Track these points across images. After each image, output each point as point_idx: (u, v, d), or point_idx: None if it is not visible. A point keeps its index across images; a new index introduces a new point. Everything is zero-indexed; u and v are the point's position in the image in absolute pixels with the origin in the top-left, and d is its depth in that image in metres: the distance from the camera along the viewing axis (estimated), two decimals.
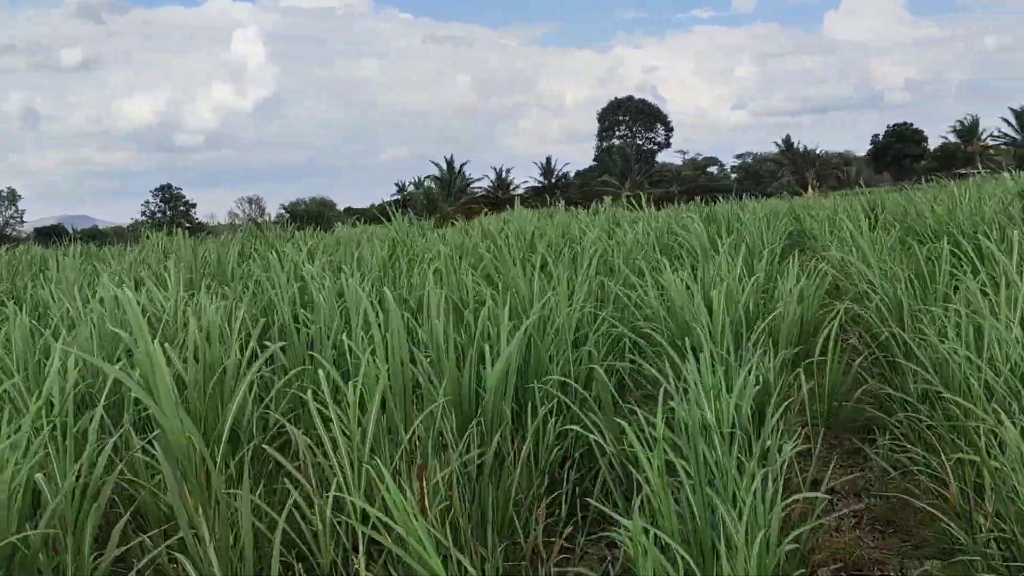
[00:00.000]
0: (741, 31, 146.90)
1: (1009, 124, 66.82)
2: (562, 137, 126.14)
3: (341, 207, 70.79)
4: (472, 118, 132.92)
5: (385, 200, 74.25)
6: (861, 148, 79.00)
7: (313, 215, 60.71)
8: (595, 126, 77.16)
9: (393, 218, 11.01)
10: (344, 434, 2.96)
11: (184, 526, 2.77)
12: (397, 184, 75.94)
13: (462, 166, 69.91)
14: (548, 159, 74.55)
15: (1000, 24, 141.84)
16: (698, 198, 17.65)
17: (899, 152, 70.80)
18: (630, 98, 77.63)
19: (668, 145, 77.20)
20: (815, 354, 4.72)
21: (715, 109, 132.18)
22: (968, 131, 69.04)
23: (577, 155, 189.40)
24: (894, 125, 73.22)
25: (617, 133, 76.86)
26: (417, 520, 2.61)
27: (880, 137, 74.20)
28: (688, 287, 4.80)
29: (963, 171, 50.89)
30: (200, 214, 68.37)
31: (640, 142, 75.72)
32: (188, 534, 2.77)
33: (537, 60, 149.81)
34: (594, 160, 76.92)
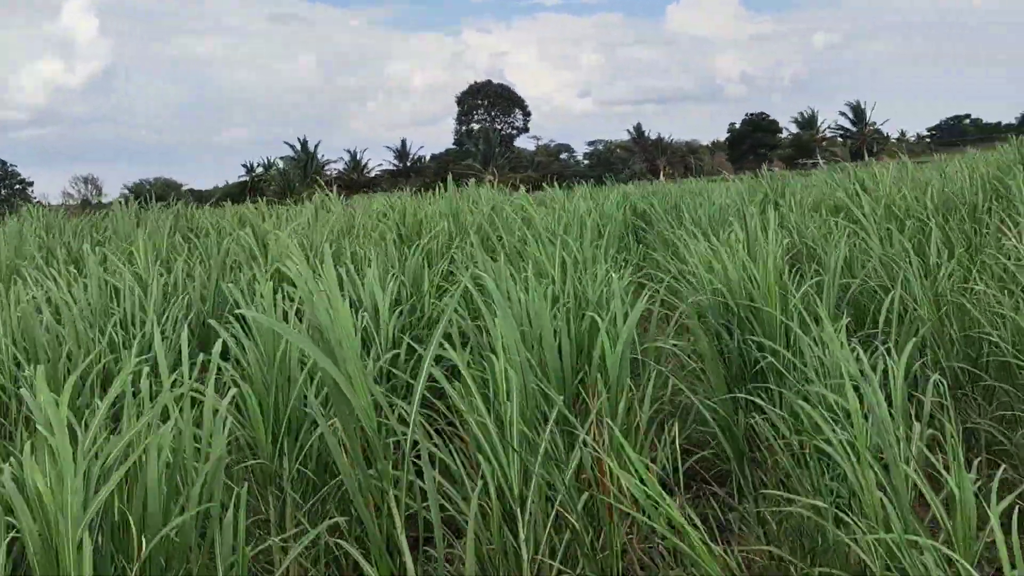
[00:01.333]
0: (586, 19, 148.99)
1: (845, 116, 70.66)
2: (412, 120, 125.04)
3: (184, 188, 68.20)
4: (318, 99, 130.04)
5: (231, 182, 72.05)
6: (705, 138, 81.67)
7: (158, 196, 58.18)
8: (446, 110, 77.12)
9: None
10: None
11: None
12: (245, 165, 73.81)
13: (316, 147, 68.34)
14: (403, 142, 73.93)
15: (829, 23, 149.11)
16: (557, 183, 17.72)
17: (756, 141, 73.51)
18: (489, 82, 77.67)
19: (527, 130, 77.62)
20: None
21: (561, 96, 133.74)
22: (808, 123, 72.47)
23: (429, 138, 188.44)
24: (751, 115, 76.11)
25: (476, 117, 76.74)
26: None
27: (737, 126, 76.91)
28: None
29: (806, 161, 53.33)
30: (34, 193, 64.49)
31: (499, 126, 75.81)
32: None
33: (384, 42, 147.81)
34: (454, 144, 76.71)
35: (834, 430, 2.72)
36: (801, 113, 73.16)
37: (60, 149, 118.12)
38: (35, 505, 2.20)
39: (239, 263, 6.89)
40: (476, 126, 75.79)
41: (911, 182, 9.65)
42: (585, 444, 3.05)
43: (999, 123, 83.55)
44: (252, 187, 66.56)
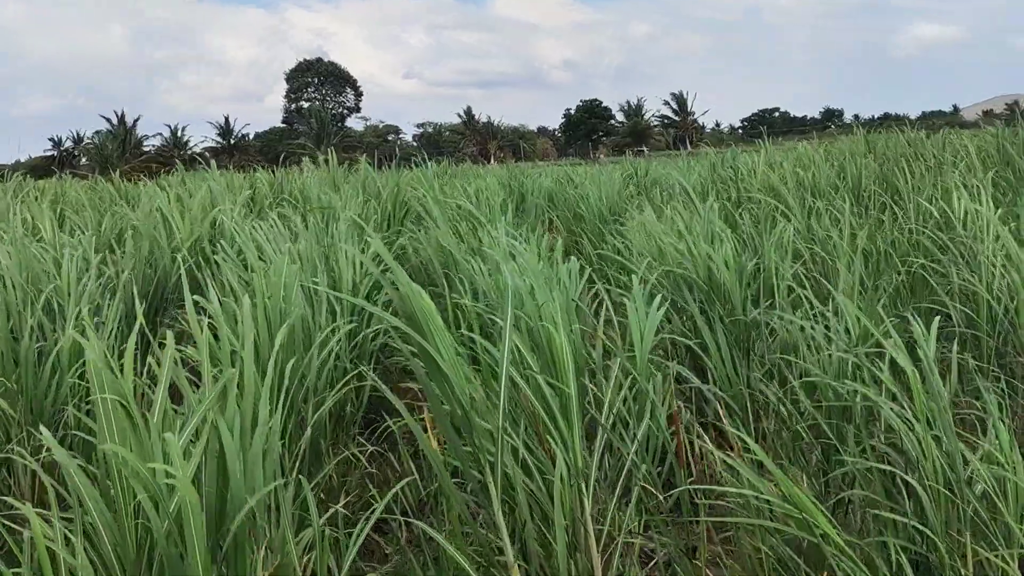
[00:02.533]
0: (412, 1, 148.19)
1: (669, 106, 73.39)
2: (233, 96, 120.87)
3: None
4: (129, 72, 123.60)
5: (34, 156, 67.56)
6: (532, 123, 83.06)
7: None
8: (268, 87, 75.02)
9: None
10: None
11: None
12: (53, 139, 69.56)
13: (135, 122, 64.88)
14: (226, 119, 71.36)
15: (646, 14, 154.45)
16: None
17: (591, 127, 75.19)
18: (319, 60, 75.91)
19: (358, 110, 76.46)
20: None
21: (386, 76, 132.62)
22: (635, 112, 74.78)
23: (252, 116, 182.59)
24: (585, 101, 77.81)
25: (306, 95, 74.91)
26: None
27: (572, 111, 78.44)
28: None
29: (639, 148, 55.08)
30: None
31: (330, 105, 74.28)
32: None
33: (200, 14, 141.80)
34: (283, 122, 74.66)
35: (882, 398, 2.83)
36: (628, 102, 75.52)
37: None
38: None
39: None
40: (306, 104, 74.02)
41: (786, 168, 10.14)
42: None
43: (805, 116, 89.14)
44: (62, 161, 62.74)
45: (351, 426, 4.38)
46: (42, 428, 2.28)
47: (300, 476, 2.89)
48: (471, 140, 72.45)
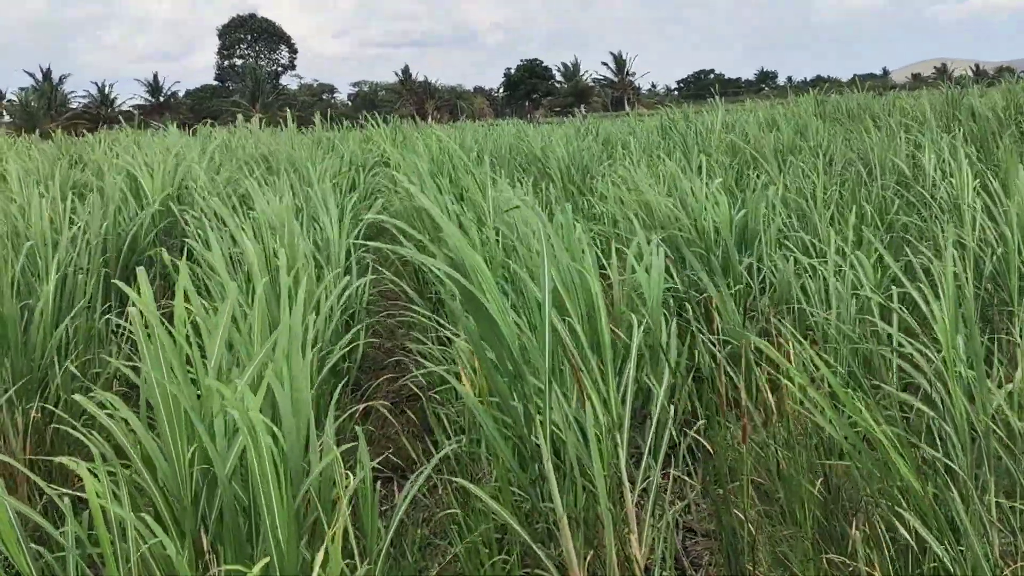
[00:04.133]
0: None
1: (607, 67, 73.48)
2: (153, 54, 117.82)
3: None
4: (46, 31, 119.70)
5: None
6: (467, 83, 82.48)
7: None
8: (194, 44, 73.27)
9: None
10: None
11: None
12: None
13: (62, 79, 62.78)
14: (155, 76, 69.54)
15: None
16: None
17: (531, 87, 74.82)
18: (253, 16, 74.04)
19: (293, 67, 74.95)
20: None
21: (315, 36, 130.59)
22: (572, 72, 74.69)
23: (176, 73, 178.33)
24: (525, 61, 77.34)
25: (239, 52, 73.16)
26: None
27: (513, 71, 77.88)
28: None
29: (574, 109, 55.01)
30: None
31: (264, 63, 72.70)
32: None
33: None
34: (215, 79, 72.91)
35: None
36: (565, 63, 75.42)
37: None
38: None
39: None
40: (239, 61, 72.37)
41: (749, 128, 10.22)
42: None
43: (740, 78, 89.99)
44: None
45: (347, 385, 4.31)
46: (95, 396, 2.18)
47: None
48: (408, 100, 71.66)
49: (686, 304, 4.19)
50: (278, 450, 1.89)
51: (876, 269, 3.82)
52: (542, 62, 77.55)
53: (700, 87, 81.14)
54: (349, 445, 2.52)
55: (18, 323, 3.93)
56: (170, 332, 2.13)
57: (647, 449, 2.85)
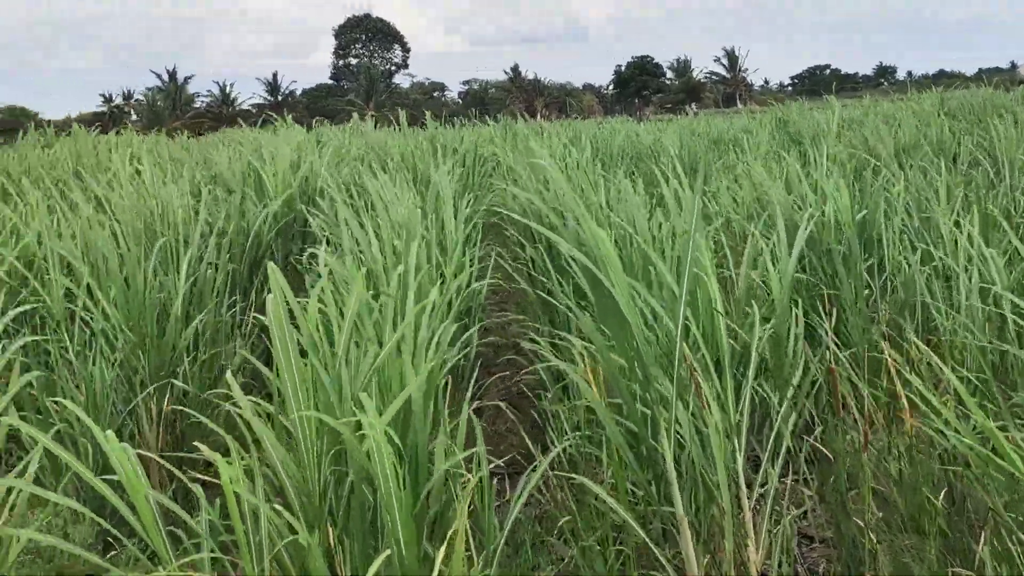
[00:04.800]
0: None
1: (720, 63, 72.37)
2: (274, 52, 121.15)
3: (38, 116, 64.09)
4: (173, 29, 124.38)
5: (84, 112, 68.30)
6: (577, 80, 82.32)
7: (9, 124, 54.21)
8: (313, 43, 75.06)
9: None
10: None
11: None
12: (104, 95, 69.96)
13: (186, 79, 65.26)
14: (274, 75, 71.48)
15: None
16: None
17: (641, 84, 74.37)
18: (368, 16, 75.54)
19: (406, 66, 76.13)
20: None
21: (430, 34, 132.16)
22: (683, 68, 73.84)
23: (296, 72, 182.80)
24: (636, 58, 76.87)
25: (354, 51, 74.74)
26: None
27: (623, 68, 77.50)
28: None
29: (686, 106, 54.43)
30: None
31: (377, 62, 74.10)
32: None
33: None
34: (331, 78, 74.66)
35: None
36: (677, 59, 74.64)
37: None
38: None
39: None
40: (354, 60, 73.94)
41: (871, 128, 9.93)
42: None
43: (857, 73, 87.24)
44: (111, 117, 63.28)
45: (461, 382, 4.37)
46: (228, 376, 2.28)
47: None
48: (517, 97, 71.97)
49: (798, 303, 4.11)
50: (401, 450, 1.94)
51: (1008, 270, 3.68)
52: (653, 59, 76.85)
53: (815, 83, 79.04)
54: (468, 452, 2.56)
55: (154, 317, 4.12)
56: (300, 327, 2.21)
57: (766, 454, 2.82)
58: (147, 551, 3.34)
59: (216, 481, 2.11)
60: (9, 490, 2.59)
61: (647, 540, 2.37)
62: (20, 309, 3.52)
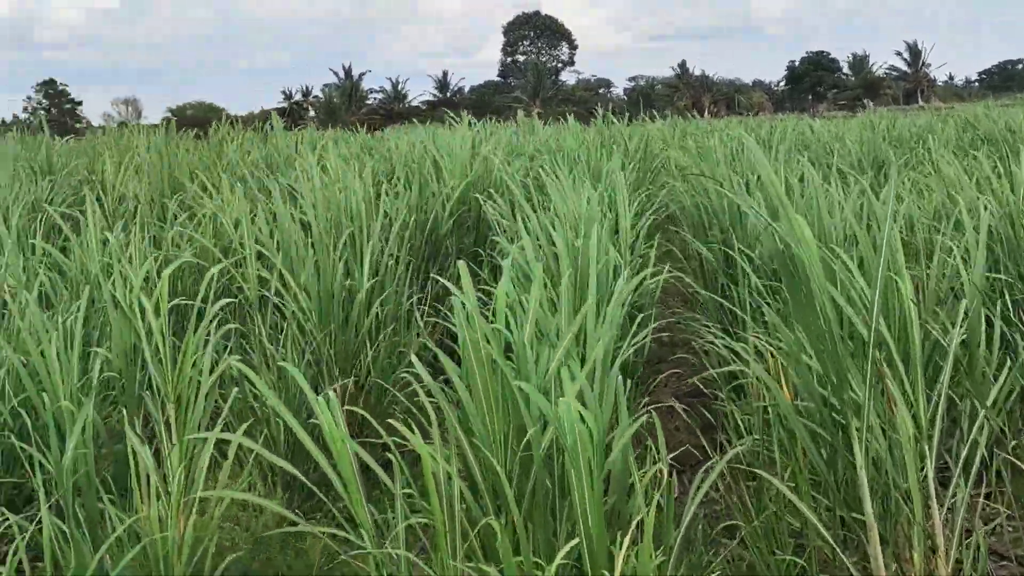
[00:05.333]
0: None
1: (901, 57, 69.27)
2: (444, 50, 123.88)
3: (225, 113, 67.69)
4: (351, 27, 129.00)
5: (266, 108, 71.71)
6: (747, 76, 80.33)
7: (199, 120, 57.81)
8: (482, 40, 76.13)
9: None
10: None
11: None
12: (284, 92, 73.23)
13: (361, 76, 67.72)
14: (444, 73, 73.17)
15: None
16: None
17: (815, 80, 72.25)
18: (537, 13, 76.36)
19: (572, 63, 76.52)
20: None
21: (598, 30, 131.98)
22: (860, 64, 71.06)
23: (465, 69, 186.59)
24: (811, 53, 74.64)
25: (522, 48, 75.66)
26: None
27: (797, 64, 75.46)
28: None
29: (860, 103, 52.38)
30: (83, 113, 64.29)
31: (544, 59, 74.73)
32: None
33: None
34: (499, 76, 75.86)
35: None
36: (853, 54, 71.95)
37: (95, 71, 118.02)
38: None
39: None
40: (522, 57, 74.81)
41: None
42: None
43: None
44: (291, 113, 66.16)
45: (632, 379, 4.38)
46: (413, 358, 2.38)
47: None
48: (684, 94, 71.03)
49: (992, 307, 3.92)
50: (588, 437, 1.98)
51: None
52: (828, 54, 74.19)
53: (1005, 78, 74.56)
54: (641, 451, 2.58)
55: (341, 305, 4.33)
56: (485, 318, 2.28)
57: (958, 464, 2.71)
58: (334, 522, 3.52)
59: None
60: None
61: (833, 544, 2.33)
62: (227, 300, 3.74)
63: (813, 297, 2.28)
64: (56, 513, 2.63)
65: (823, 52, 74.55)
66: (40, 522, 2.53)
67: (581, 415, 1.94)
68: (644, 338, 4.08)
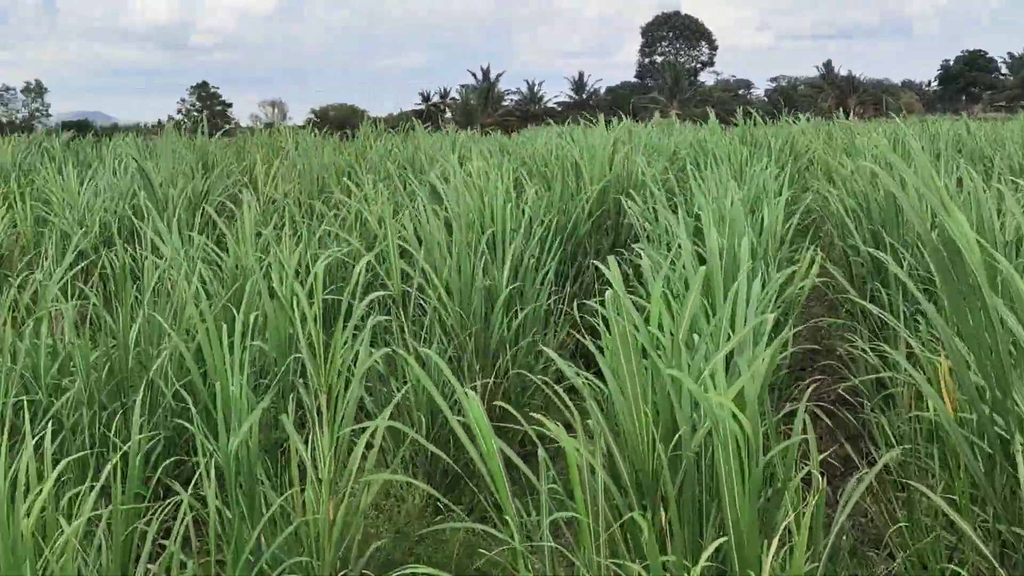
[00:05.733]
0: None
1: None
2: (580, 51, 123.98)
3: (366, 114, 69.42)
4: (490, 28, 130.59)
5: (404, 110, 73.20)
6: (895, 76, 77.23)
7: (342, 121, 59.42)
8: (618, 41, 75.55)
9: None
10: None
11: None
12: (422, 94, 74.45)
13: (498, 77, 68.45)
14: (580, 74, 72.94)
15: None
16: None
17: (969, 80, 69.10)
18: (676, 13, 75.48)
19: (712, 64, 75.30)
20: None
21: (738, 30, 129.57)
22: (1019, 64, 67.40)
23: (600, 70, 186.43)
24: (966, 52, 71.31)
25: (659, 49, 74.96)
26: None
27: (951, 63, 72.27)
28: None
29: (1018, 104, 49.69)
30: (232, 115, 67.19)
31: (683, 59, 73.83)
32: None
33: None
34: (635, 76, 75.34)
35: None
36: (1009, 53, 68.25)
37: (244, 73, 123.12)
38: None
39: None
40: (659, 58, 74.10)
41: None
42: None
43: None
44: (429, 115, 67.37)
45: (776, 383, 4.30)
46: (553, 354, 2.40)
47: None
48: (829, 95, 68.90)
49: None
50: (742, 436, 1.96)
51: None
52: (985, 53, 70.55)
53: None
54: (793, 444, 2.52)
55: (482, 303, 4.41)
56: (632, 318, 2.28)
57: None
58: (474, 512, 3.59)
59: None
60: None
61: (992, 559, 2.24)
62: (376, 294, 3.86)
63: (975, 303, 2.18)
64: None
65: (980, 51, 70.92)
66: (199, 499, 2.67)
67: (734, 413, 1.92)
68: (789, 343, 4.01)
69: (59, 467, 2.36)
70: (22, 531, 2.01)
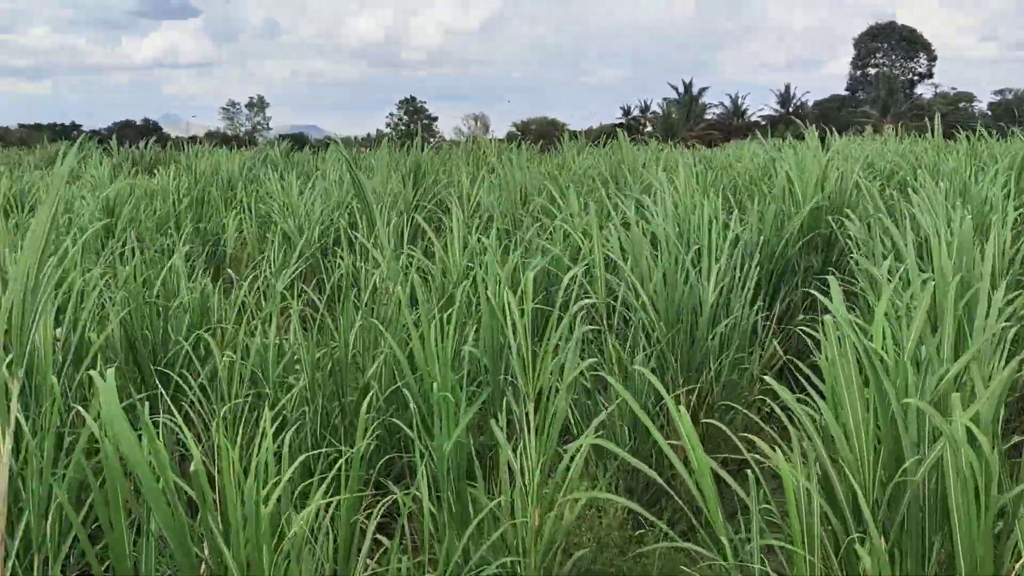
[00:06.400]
0: None
1: None
2: (785, 64, 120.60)
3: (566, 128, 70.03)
4: (690, 42, 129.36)
5: (604, 123, 73.28)
6: None
7: (543, 134, 60.08)
8: (825, 53, 72.78)
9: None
10: None
11: None
12: (622, 108, 74.45)
13: (702, 91, 67.56)
14: (786, 87, 70.87)
15: None
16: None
17: None
18: (892, 24, 72.09)
19: (930, 76, 71.38)
20: None
21: (959, 40, 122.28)
22: None
23: (807, 83, 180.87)
24: None
25: (873, 61, 71.75)
26: None
27: None
28: None
29: None
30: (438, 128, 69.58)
31: (897, 71, 70.38)
32: None
33: None
34: (847, 89, 72.52)
35: None
36: None
37: (451, 87, 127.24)
38: None
39: None
40: (872, 71, 70.91)
41: None
42: None
43: None
44: (629, 129, 67.22)
45: None
46: (768, 378, 2.36)
47: None
48: None
49: None
50: (979, 464, 1.86)
51: None
52: None
53: None
54: None
55: (687, 318, 4.37)
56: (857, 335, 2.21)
57: None
58: (675, 527, 3.56)
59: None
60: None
61: None
62: (584, 302, 3.91)
63: None
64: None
65: None
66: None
67: (973, 436, 1.83)
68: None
69: (296, 463, 2.52)
70: (261, 519, 2.16)
